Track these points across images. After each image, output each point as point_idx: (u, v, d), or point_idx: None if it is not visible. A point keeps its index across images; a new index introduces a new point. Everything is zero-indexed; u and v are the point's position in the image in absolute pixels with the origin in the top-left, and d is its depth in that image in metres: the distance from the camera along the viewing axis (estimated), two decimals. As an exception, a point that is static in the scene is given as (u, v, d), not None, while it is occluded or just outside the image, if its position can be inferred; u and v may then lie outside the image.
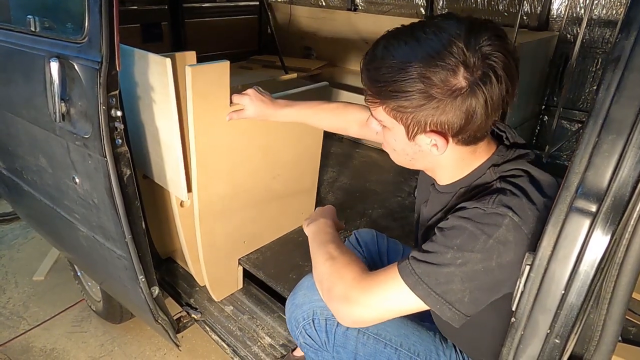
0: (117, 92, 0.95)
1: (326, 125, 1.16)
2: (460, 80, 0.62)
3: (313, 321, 0.88)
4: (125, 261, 1.11)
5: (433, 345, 0.90)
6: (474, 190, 0.73)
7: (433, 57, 0.62)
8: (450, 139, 0.68)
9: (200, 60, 1.61)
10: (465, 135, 0.67)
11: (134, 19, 2.33)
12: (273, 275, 1.39)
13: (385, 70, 0.66)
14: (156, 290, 1.20)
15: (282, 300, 1.42)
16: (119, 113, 0.96)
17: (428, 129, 0.67)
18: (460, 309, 0.66)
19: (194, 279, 1.52)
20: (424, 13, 2.68)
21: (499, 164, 0.72)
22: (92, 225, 1.17)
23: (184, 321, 1.41)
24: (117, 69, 0.93)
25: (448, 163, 0.74)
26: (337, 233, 0.91)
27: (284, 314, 1.40)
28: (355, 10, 2.81)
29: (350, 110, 1.11)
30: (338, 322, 0.84)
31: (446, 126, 0.66)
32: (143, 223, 1.11)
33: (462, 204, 0.69)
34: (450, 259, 0.65)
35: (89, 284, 1.88)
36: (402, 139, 0.71)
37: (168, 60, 1.05)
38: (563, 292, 0.41)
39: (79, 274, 1.91)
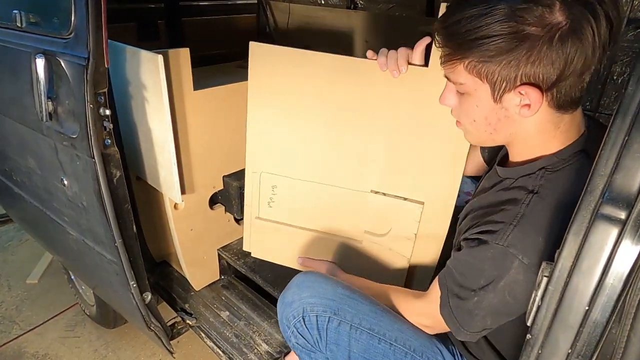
0: (105, 89, 0.91)
1: None
2: (557, 16, 0.54)
3: (303, 319, 0.84)
4: (115, 266, 1.07)
5: (429, 340, 0.87)
6: (509, 191, 0.69)
7: None
8: (544, 96, 0.59)
9: (198, 59, 1.57)
10: (560, 90, 0.59)
11: (129, 17, 2.28)
12: (270, 279, 1.34)
13: (466, 21, 0.58)
14: (148, 296, 1.15)
15: (279, 305, 1.37)
16: (107, 112, 0.92)
17: (519, 82, 0.59)
18: (473, 330, 0.69)
19: (189, 283, 1.48)
20: (425, 10, 2.64)
21: (552, 170, 0.66)
22: (81, 229, 1.13)
23: (179, 327, 1.37)
24: (106, 66, 0.89)
25: (531, 133, 0.66)
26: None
27: (282, 320, 1.37)
28: (355, 8, 2.77)
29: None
30: (329, 318, 0.82)
31: (541, 76, 0.57)
32: (134, 226, 1.06)
33: (480, 227, 0.67)
34: (475, 300, 0.67)
35: (83, 287, 1.84)
36: (486, 102, 0.64)
37: (160, 57, 1.00)
38: (587, 308, 0.37)
39: (72, 277, 1.86)
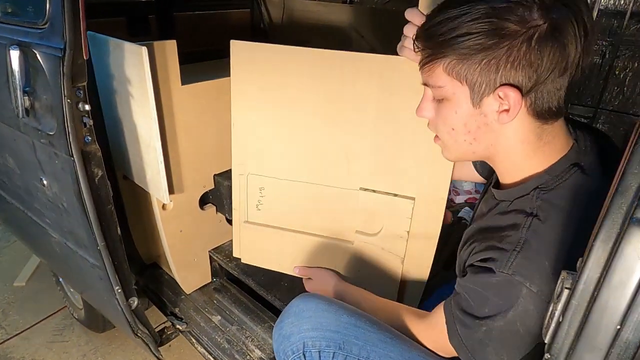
0: (84, 83, 0.85)
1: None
2: (537, 17, 0.54)
3: (304, 354, 0.77)
4: (99, 271, 1.01)
5: None
6: (507, 215, 0.65)
7: None
8: (523, 100, 0.58)
9: (190, 55, 1.51)
10: (538, 95, 0.58)
11: (118, 12, 2.22)
12: (263, 283, 1.29)
13: (447, 21, 0.58)
14: (135, 301, 1.10)
15: (273, 309, 1.32)
16: (87, 107, 0.86)
17: (498, 84, 0.57)
18: None
19: (180, 286, 1.42)
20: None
21: (547, 189, 0.62)
22: (63, 231, 1.07)
23: (168, 333, 1.31)
24: (84, 57, 0.83)
25: (512, 145, 0.63)
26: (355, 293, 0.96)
27: (274, 324, 1.31)
28: (350, 2, 2.71)
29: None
30: (334, 353, 0.75)
31: (519, 78, 0.56)
32: (118, 229, 1.01)
33: (482, 253, 0.64)
34: (482, 325, 0.64)
35: (71, 290, 1.78)
36: (465, 107, 0.61)
37: (144, 49, 0.95)
38: (618, 326, 0.32)
39: (60, 280, 1.80)
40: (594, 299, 0.34)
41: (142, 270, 1.53)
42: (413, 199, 0.91)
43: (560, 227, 0.58)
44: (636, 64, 1.80)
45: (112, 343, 1.77)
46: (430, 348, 0.78)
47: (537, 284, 0.56)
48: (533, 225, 0.60)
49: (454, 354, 0.72)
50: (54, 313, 1.92)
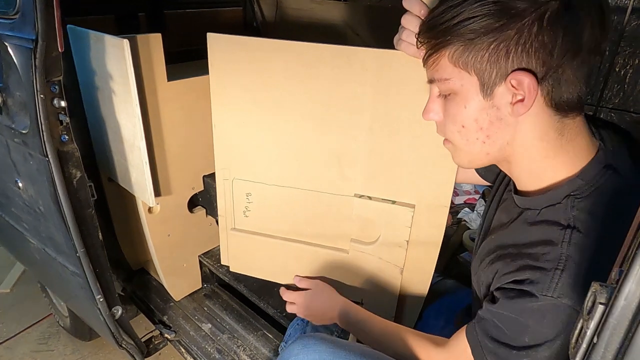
0: (59, 77, 0.79)
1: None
2: None
3: None
4: (79, 278, 0.95)
5: None
6: (538, 227, 0.58)
7: None
8: (538, 89, 0.52)
9: (181, 54, 1.45)
10: (555, 82, 0.52)
11: (107, 9, 2.15)
12: (256, 289, 1.23)
13: (449, 9, 0.53)
14: (119, 310, 1.04)
15: (266, 316, 1.26)
16: (63, 103, 0.80)
17: (510, 70, 0.52)
18: None
19: (169, 293, 1.36)
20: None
21: (581, 196, 0.56)
22: (42, 237, 1.01)
23: (156, 342, 1.25)
24: (59, 50, 0.77)
25: (531, 142, 0.56)
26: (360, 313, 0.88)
27: (268, 332, 1.25)
28: (345, 0, 2.66)
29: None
30: None
31: (533, 62, 0.50)
32: (99, 234, 0.94)
33: (515, 274, 0.57)
34: (523, 355, 0.56)
35: (57, 297, 1.71)
36: (476, 100, 0.55)
37: (125, 42, 0.89)
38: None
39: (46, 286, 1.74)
40: (638, 318, 0.29)
41: (129, 277, 1.46)
42: (413, 206, 0.86)
43: (603, 239, 0.51)
44: (637, 61, 1.76)
45: (99, 352, 1.70)
46: None
47: None
48: (574, 238, 0.53)
49: None
50: (40, 321, 1.85)
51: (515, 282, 0.56)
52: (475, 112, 0.56)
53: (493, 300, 0.61)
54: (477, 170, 0.86)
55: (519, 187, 0.65)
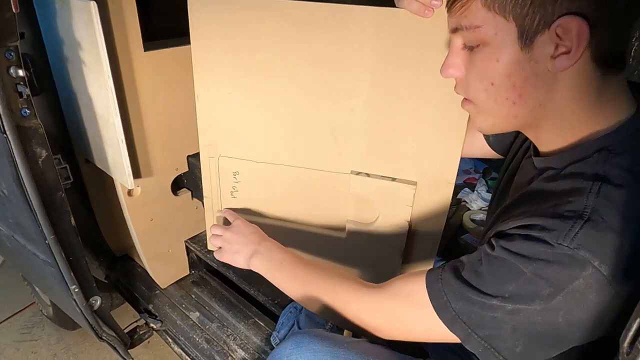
0: (15, 43, 0.70)
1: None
2: None
3: None
4: (51, 268, 0.87)
5: None
6: (561, 181, 0.50)
7: None
8: (590, 36, 0.44)
9: (168, 31, 1.33)
10: (605, 33, 0.44)
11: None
12: (246, 275, 1.16)
13: None
14: (97, 301, 0.96)
15: (257, 303, 1.20)
16: (21, 72, 0.71)
17: (556, 15, 0.43)
18: (509, 357, 0.48)
19: (154, 280, 1.29)
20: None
21: (617, 152, 0.48)
22: (9, 223, 0.92)
23: (141, 332, 1.18)
24: (14, 10, 0.67)
25: (567, 105, 0.49)
26: (288, 252, 0.76)
27: (260, 320, 1.19)
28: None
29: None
30: None
31: (584, 5, 0.42)
32: (71, 219, 0.86)
33: (527, 220, 0.48)
34: (498, 305, 0.48)
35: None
36: (511, 51, 0.47)
37: (92, 4, 0.79)
38: None
39: (26, 274, 1.66)
40: None
41: (112, 264, 1.38)
42: (415, 183, 0.78)
43: (637, 199, 0.44)
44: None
45: (85, 341, 1.64)
46: (375, 326, 0.62)
47: (609, 265, 0.42)
48: (604, 190, 0.45)
49: (410, 335, 0.58)
50: (23, 309, 1.78)
51: (522, 227, 0.48)
52: (509, 66, 0.48)
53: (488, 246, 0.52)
54: (487, 141, 0.79)
55: (541, 149, 0.57)
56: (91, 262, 1.29)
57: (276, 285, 0.74)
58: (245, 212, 0.92)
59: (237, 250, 0.79)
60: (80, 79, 0.95)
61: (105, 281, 1.38)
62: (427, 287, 0.55)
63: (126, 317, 1.49)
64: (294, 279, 0.71)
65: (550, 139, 0.54)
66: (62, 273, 0.86)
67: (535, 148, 0.59)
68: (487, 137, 0.80)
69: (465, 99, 0.57)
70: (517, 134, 0.73)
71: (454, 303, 0.51)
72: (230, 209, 0.91)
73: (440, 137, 0.73)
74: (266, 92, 0.79)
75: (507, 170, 0.70)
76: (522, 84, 0.48)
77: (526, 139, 0.68)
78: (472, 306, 0.50)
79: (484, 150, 0.82)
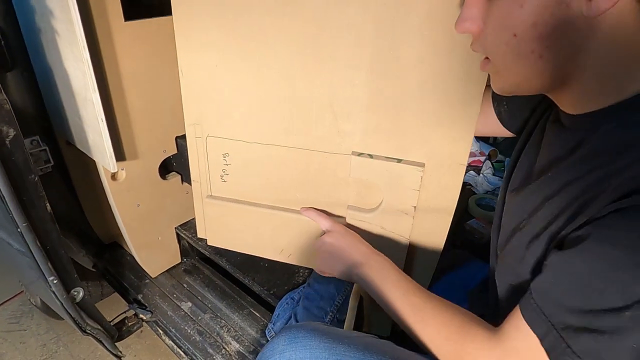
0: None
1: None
2: None
3: None
4: (27, 258, 0.80)
5: None
6: (622, 137, 0.42)
7: None
8: None
9: (151, 3, 1.22)
10: None
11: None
12: (239, 263, 1.10)
13: None
14: (80, 292, 0.90)
15: (252, 293, 1.13)
16: (-21, 40, 0.63)
17: None
18: None
19: (144, 269, 1.22)
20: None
21: None
22: (-20, 209, 0.85)
23: (129, 324, 1.12)
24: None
25: (604, 54, 0.41)
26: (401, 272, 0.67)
27: (255, 311, 1.13)
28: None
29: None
30: None
31: None
32: (47, 205, 0.79)
33: (615, 204, 0.38)
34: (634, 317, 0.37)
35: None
36: None
37: (62, -36, 0.70)
38: None
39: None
40: None
41: (100, 251, 1.32)
42: (422, 165, 0.71)
43: None
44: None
45: (75, 331, 1.54)
46: None
47: None
48: None
49: None
50: (11, 298, 1.72)
51: (618, 211, 0.38)
52: (535, 12, 0.40)
53: (559, 254, 0.44)
54: (500, 117, 0.71)
55: (570, 111, 0.49)
56: (78, 251, 1.23)
57: (380, 304, 0.64)
58: (236, 198, 0.85)
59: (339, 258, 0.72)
60: (54, 52, 0.86)
61: (94, 270, 1.31)
62: (541, 340, 0.44)
63: (118, 305, 1.44)
64: (406, 304, 0.61)
65: (580, 98, 0.46)
66: (38, 263, 0.79)
67: (558, 111, 0.51)
68: (499, 114, 0.73)
69: (485, 58, 0.49)
70: (534, 109, 0.65)
71: (574, 345, 0.41)
72: (220, 196, 0.84)
73: (452, 113, 0.66)
74: (257, 62, 0.71)
75: (526, 142, 0.62)
76: (550, 34, 0.41)
77: (545, 111, 0.60)
78: (600, 341, 0.39)
79: (497, 128, 0.74)
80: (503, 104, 0.71)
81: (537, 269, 0.48)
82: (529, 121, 0.65)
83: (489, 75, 0.61)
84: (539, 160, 0.55)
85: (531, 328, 0.44)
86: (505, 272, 0.57)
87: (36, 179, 0.76)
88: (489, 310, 0.65)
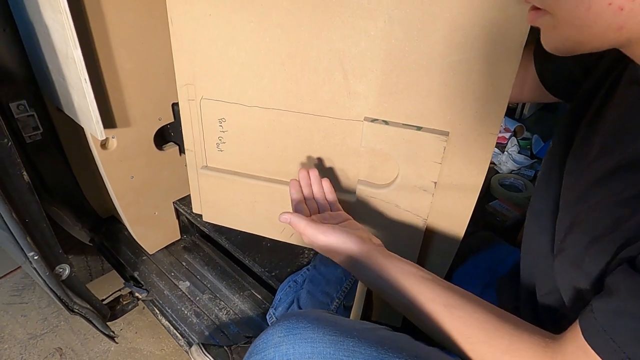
0: None
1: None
2: None
3: None
4: (4, 232, 0.73)
5: None
6: None
7: None
8: None
9: None
10: None
11: None
12: (239, 242, 1.02)
13: None
14: (66, 270, 0.83)
15: (252, 273, 1.06)
16: None
17: None
18: None
19: (140, 244, 1.15)
20: None
21: None
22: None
23: (124, 302, 1.06)
24: None
25: None
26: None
27: (256, 292, 1.06)
28: None
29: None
30: None
31: None
32: (24, 174, 0.71)
33: None
34: None
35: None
36: None
37: None
38: None
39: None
40: None
41: (97, 225, 1.25)
42: (446, 134, 0.60)
43: None
44: None
45: (76, 306, 1.54)
46: None
47: None
48: None
49: None
50: (12, 271, 1.69)
51: None
52: None
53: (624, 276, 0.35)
54: (542, 79, 0.60)
55: None
56: (73, 224, 1.16)
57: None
58: (233, 170, 0.76)
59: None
60: (34, 5, 0.77)
61: (90, 244, 1.25)
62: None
63: (119, 282, 1.39)
64: (429, 298, 0.49)
65: None
66: (15, 238, 0.72)
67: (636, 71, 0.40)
68: (541, 75, 0.61)
69: (534, 8, 0.38)
70: (587, 70, 0.54)
71: None
72: (216, 167, 0.75)
73: (484, 70, 0.55)
74: (256, 10, 0.60)
75: (579, 121, 0.51)
76: None
77: (608, 72, 0.49)
78: None
79: (535, 93, 0.63)
80: (548, 64, 0.60)
81: (599, 281, 0.38)
82: (582, 85, 0.54)
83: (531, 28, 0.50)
84: (610, 133, 0.44)
85: (599, 355, 0.36)
86: (561, 271, 0.46)
87: (9, 144, 0.68)
88: (521, 303, 0.56)
